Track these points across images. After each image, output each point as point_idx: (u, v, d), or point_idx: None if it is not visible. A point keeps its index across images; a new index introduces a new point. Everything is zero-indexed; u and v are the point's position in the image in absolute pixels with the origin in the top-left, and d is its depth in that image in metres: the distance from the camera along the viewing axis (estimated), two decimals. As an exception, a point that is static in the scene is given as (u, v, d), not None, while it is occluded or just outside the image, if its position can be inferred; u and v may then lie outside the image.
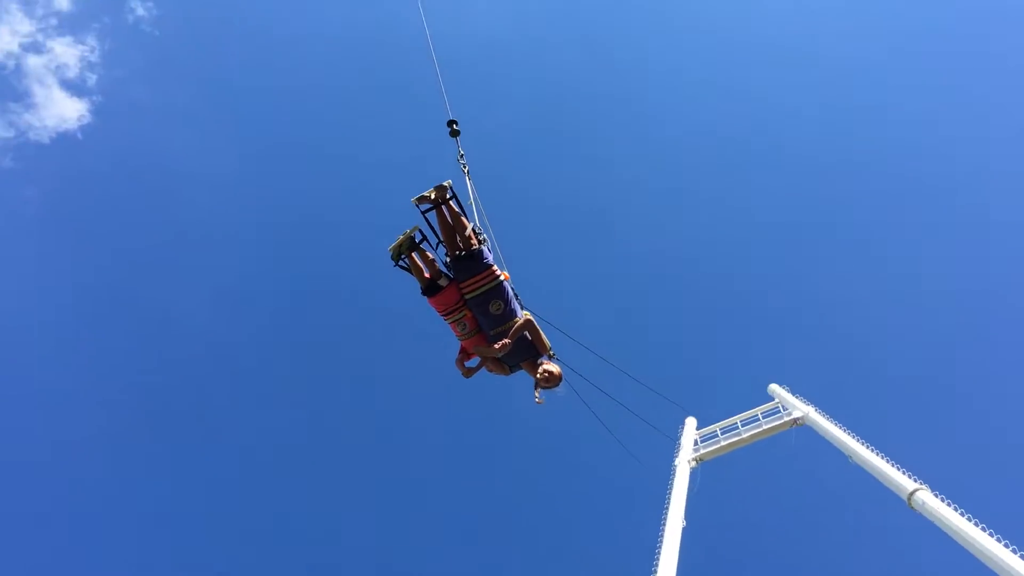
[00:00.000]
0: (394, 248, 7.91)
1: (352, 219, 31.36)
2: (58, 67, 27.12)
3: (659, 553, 11.91)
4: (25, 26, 26.49)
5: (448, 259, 8.07)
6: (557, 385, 8.08)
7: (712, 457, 15.26)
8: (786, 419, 15.11)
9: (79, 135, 27.56)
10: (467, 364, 8.27)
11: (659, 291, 34.59)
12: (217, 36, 30.76)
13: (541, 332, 8.12)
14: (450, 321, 8.11)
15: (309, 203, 31.46)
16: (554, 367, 8.12)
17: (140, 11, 27.90)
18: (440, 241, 8.08)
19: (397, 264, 8.00)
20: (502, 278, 7.98)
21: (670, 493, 13.98)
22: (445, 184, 7.87)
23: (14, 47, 26.31)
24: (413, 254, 8.01)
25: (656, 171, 34.81)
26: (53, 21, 27.02)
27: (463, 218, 7.99)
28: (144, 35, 28.44)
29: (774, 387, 16.56)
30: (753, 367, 31.45)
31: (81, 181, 28.05)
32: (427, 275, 8.04)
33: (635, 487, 27.50)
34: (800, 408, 15.10)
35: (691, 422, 16.74)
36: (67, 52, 26.98)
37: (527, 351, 8.12)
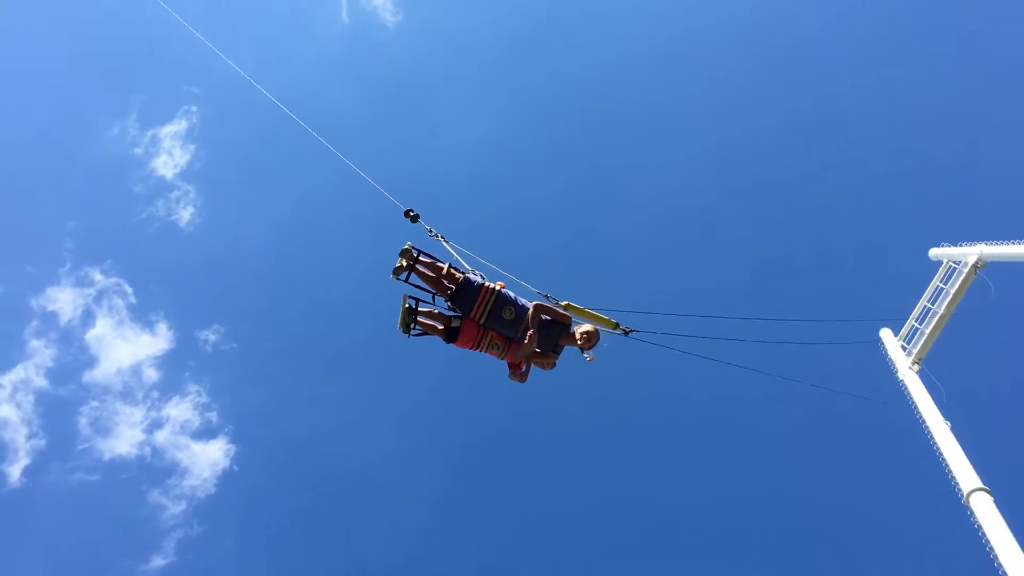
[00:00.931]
0: (401, 324, 8.40)
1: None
2: (183, 426, 29.72)
3: (946, 464, 11.15)
4: (136, 414, 29.40)
5: (448, 303, 8.60)
6: (598, 340, 8.45)
7: (927, 352, 14.36)
8: (966, 270, 14.18)
9: (235, 467, 29.76)
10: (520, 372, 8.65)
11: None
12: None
13: (554, 307, 8.54)
14: (483, 350, 8.61)
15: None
16: (587, 326, 8.53)
17: (211, 336, 30.54)
18: (433, 292, 8.59)
19: (411, 335, 8.49)
20: (498, 288, 8.49)
21: (915, 408, 13.18)
22: (407, 247, 8.41)
23: (139, 436, 29.12)
24: (419, 318, 8.48)
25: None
26: (154, 393, 29.85)
27: (438, 263, 8.55)
28: (227, 353, 30.97)
29: (935, 250, 15.65)
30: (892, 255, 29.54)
31: (260, 507, 29.97)
32: (440, 327, 8.55)
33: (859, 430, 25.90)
34: (970, 251, 14.17)
35: (886, 333, 15.88)
36: (181, 409, 29.64)
37: (554, 330, 8.48)
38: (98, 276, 29.90)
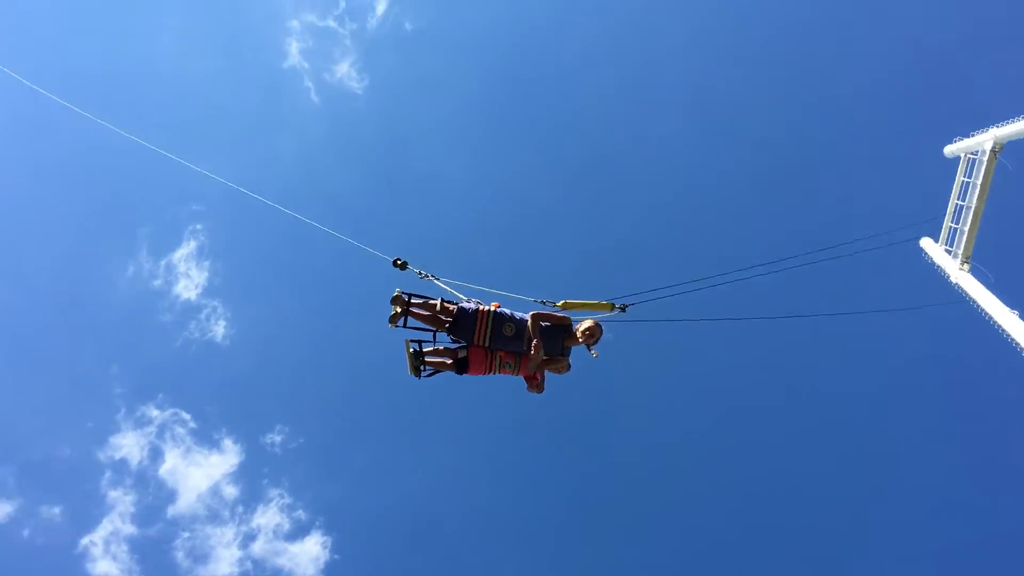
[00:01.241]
0: (412, 369, 8.52)
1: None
2: (275, 531, 30.01)
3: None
4: (227, 534, 29.81)
5: (449, 336, 8.72)
6: (601, 335, 8.60)
7: (972, 247, 14.14)
8: (986, 158, 13.99)
9: (336, 556, 29.92)
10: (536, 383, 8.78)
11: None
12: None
13: (551, 312, 8.64)
14: (496, 371, 8.71)
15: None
16: (587, 322, 8.60)
17: (277, 438, 30.89)
18: (433, 330, 8.68)
19: (423, 377, 8.60)
20: (493, 308, 8.63)
21: (978, 305, 12.98)
22: (397, 294, 8.58)
23: (236, 554, 29.46)
24: (427, 358, 8.61)
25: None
26: (239, 508, 30.23)
27: (430, 301, 8.65)
28: (296, 450, 31.30)
29: (950, 147, 15.48)
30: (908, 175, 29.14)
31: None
32: (449, 361, 8.67)
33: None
34: (985, 138, 13.99)
35: (927, 242, 15.66)
36: (269, 516, 29.95)
37: (557, 334, 8.61)
38: (154, 412, 30.48)
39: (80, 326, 32.03)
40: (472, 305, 8.71)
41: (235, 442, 30.68)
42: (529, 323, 8.52)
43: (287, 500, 30.06)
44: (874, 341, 29.02)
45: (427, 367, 8.63)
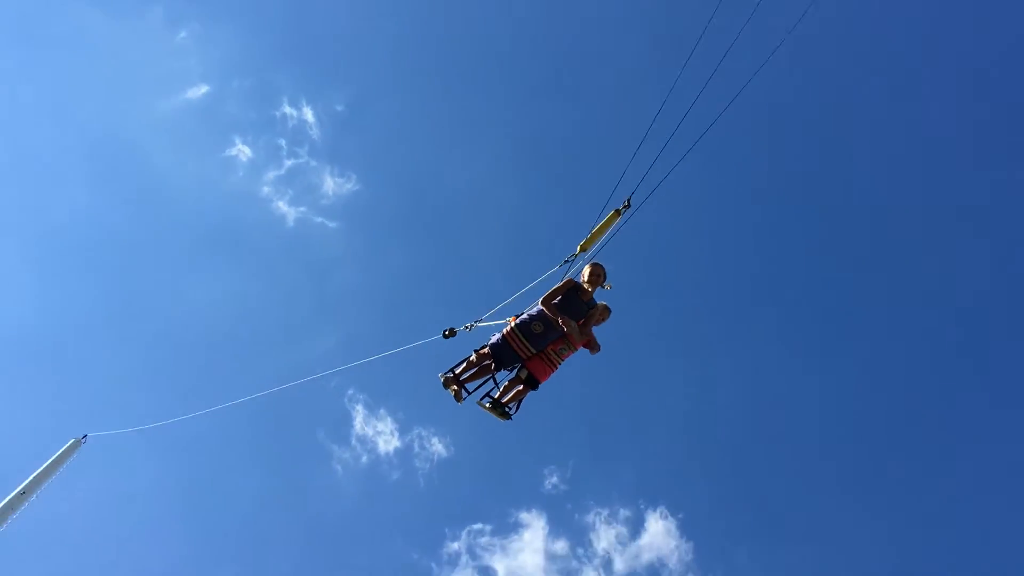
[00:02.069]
0: (502, 416, 8.96)
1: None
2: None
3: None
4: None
5: (505, 368, 9.10)
6: (601, 270, 8.92)
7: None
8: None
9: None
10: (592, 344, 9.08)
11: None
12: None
13: (554, 289, 8.86)
14: (559, 362, 9.01)
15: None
16: (585, 270, 8.93)
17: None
18: (490, 377, 9.09)
19: (510, 414, 9.01)
20: (512, 323, 8.94)
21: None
22: (442, 378, 8.99)
23: None
24: (504, 401, 8.99)
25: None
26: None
27: (468, 360, 9.07)
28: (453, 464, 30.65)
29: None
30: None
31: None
32: (520, 387, 8.99)
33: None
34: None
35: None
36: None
37: (572, 298, 8.87)
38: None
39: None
40: (497, 335, 9.02)
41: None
42: (546, 312, 8.74)
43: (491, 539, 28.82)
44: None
45: (510, 405, 9.01)
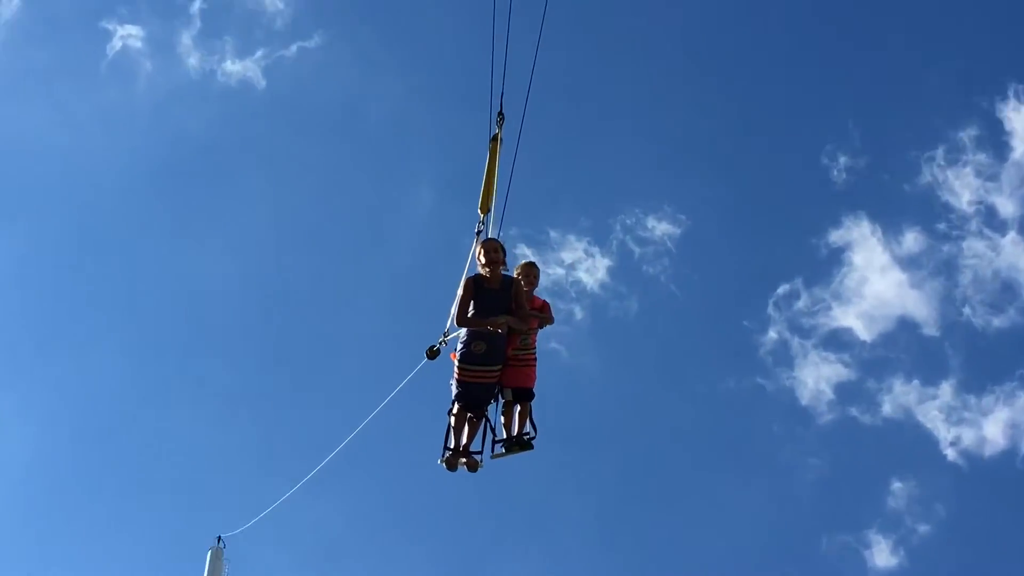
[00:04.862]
0: (524, 448, 8.16)
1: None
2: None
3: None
4: None
5: (490, 406, 8.23)
6: (496, 246, 7.74)
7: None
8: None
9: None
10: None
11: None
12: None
13: (460, 297, 7.66)
14: (526, 354, 8.04)
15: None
16: (479, 252, 7.85)
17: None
18: (483, 421, 8.22)
19: (531, 440, 8.14)
20: (455, 360, 7.84)
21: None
22: (441, 464, 8.08)
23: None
24: (515, 435, 8.19)
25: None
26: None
27: (451, 428, 8.18)
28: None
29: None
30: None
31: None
32: (518, 407, 8.15)
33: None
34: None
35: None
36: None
37: (489, 296, 7.78)
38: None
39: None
40: (453, 380, 8.01)
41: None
42: (472, 328, 7.67)
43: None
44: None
45: (525, 432, 8.14)
